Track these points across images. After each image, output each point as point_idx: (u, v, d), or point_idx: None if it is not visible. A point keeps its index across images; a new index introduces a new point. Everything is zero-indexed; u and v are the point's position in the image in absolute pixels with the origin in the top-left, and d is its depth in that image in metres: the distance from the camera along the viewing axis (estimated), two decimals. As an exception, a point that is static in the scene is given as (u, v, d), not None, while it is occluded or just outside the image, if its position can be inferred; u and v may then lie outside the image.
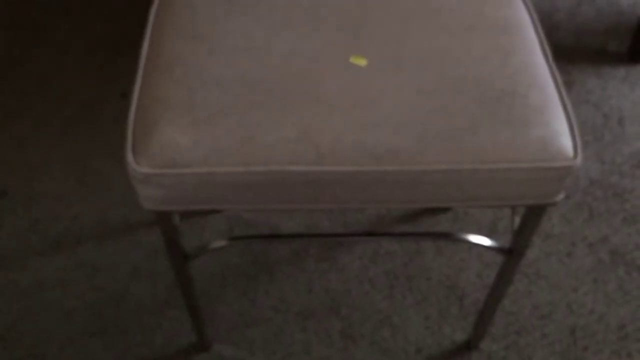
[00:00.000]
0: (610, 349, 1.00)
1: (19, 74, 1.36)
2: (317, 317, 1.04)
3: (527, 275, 1.08)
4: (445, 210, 1.14)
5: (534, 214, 0.72)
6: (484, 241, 0.78)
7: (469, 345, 1.01)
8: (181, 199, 0.65)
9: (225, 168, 0.62)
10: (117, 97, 1.31)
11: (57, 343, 1.01)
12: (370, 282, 1.07)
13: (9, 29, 1.44)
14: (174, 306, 1.04)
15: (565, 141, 0.65)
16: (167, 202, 0.65)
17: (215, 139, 0.63)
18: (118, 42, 1.41)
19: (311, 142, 0.63)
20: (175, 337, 1.02)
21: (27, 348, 1.00)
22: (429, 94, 0.66)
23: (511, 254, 0.79)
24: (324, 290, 1.06)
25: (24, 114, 1.29)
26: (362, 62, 0.69)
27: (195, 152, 0.62)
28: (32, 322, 1.03)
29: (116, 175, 1.20)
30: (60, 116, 1.29)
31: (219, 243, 0.77)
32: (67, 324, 1.03)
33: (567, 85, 1.32)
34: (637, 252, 1.10)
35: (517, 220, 0.78)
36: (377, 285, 1.07)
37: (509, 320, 1.03)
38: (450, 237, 0.79)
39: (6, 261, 1.09)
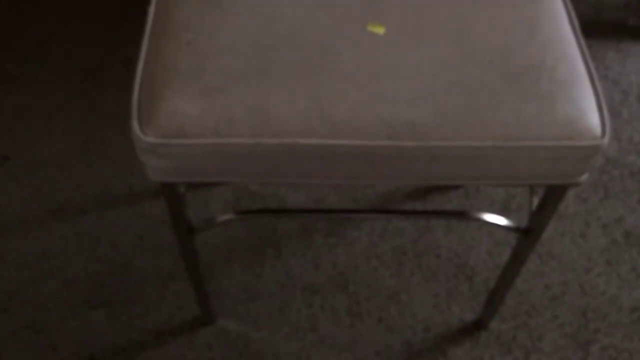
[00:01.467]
0: (622, 332, 0.98)
1: (20, 39, 1.32)
2: (324, 293, 1.02)
3: (539, 254, 1.06)
4: (457, 186, 1.12)
5: (554, 194, 0.69)
6: (500, 220, 0.76)
7: (478, 325, 0.99)
8: (188, 171, 0.62)
9: (235, 139, 0.59)
10: (121, 64, 1.27)
11: (59, 314, 0.99)
12: (378, 258, 1.05)
13: (11, -9, 1.40)
14: (178, 279, 1.02)
15: (592, 119, 0.61)
16: (173, 173, 0.63)
17: (225, 109, 0.59)
18: (123, 6, 1.37)
19: (325, 114, 0.60)
20: (179, 310, 1.00)
21: (27, 318, 0.99)
22: (450, 66, 0.63)
23: (528, 234, 0.76)
24: (331, 265, 1.04)
25: (26, 80, 1.26)
26: (380, 30, 0.65)
27: (204, 122, 0.59)
28: (33, 291, 1.01)
29: (120, 144, 1.17)
30: (62, 83, 1.25)
31: (226, 217, 0.75)
32: (69, 294, 1.01)
33: (585, 60, 1.28)
34: (652, 234, 1.08)
35: (535, 199, 0.75)
36: (386, 261, 1.05)
37: (519, 300, 1.01)
38: (465, 216, 0.77)
39: (7, 229, 1.07)
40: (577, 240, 1.07)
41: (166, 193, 0.67)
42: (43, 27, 1.34)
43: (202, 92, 0.60)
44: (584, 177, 0.65)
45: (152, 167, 0.62)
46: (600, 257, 1.05)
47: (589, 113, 0.61)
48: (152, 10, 0.69)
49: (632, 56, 1.30)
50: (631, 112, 1.21)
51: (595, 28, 1.35)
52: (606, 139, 0.61)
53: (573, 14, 0.70)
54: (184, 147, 0.59)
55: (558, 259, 1.05)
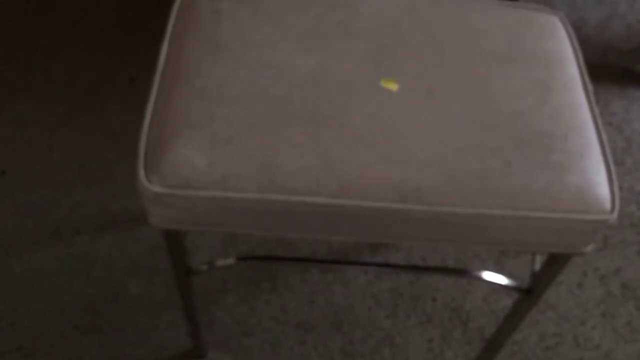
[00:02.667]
0: (615, 388, 0.98)
1: (24, 51, 1.31)
2: (318, 331, 1.01)
3: (536, 306, 1.05)
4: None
5: (558, 261, 0.68)
6: (501, 280, 0.75)
7: (471, 373, 0.98)
8: (192, 220, 0.61)
9: (241, 194, 0.59)
10: (125, 82, 1.26)
11: (49, 338, 0.98)
12: (374, 298, 1.04)
13: (16, 2, 1.39)
14: (171, 307, 1.01)
15: (602, 192, 0.61)
16: (177, 221, 0.62)
17: (232, 162, 0.59)
18: (130, 25, 1.36)
19: (333, 173, 0.59)
20: (171, 341, 0.99)
21: (17, 341, 0.97)
22: (461, 129, 0.62)
23: (529, 293, 0.75)
24: (327, 303, 1.03)
25: (28, 93, 1.24)
26: (393, 86, 0.65)
27: (211, 174, 0.58)
28: (24, 313, 1.00)
29: (120, 164, 1.16)
30: (64, 98, 1.24)
31: (226, 261, 0.74)
32: (61, 318, 1.00)
33: (591, 105, 1.28)
34: (649, 288, 1.07)
35: (538, 260, 0.75)
36: (381, 302, 1.04)
37: (513, 350, 1.01)
38: (466, 274, 0.76)
39: (1, 246, 1.06)
40: (574, 290, 1.07)
41: (168, 239, 0.66)
42: (48, 39, 1.32)
43: (210, 142, 0.59)
44: (590, 248, 0.64)
45: (156, 215, 0.61)
46: (596, 308, 1.05)
47: (599, 186, 0.61)
48: (164, 49, 0.68)
49: (637, 103, 1.30)
50: (634, 160, 1.21)
51: (601, 72, 1.35)
52: (615, 214, 0.60)
53: (586, 77, 0.70)
54: (190, 198, 0.58)
55: (554, 309, 1.05)
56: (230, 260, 0.73)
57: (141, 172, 0.59)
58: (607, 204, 0.61)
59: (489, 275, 0.75)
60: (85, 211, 1.10)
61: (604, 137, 0.64)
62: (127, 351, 0.97)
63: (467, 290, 1.06)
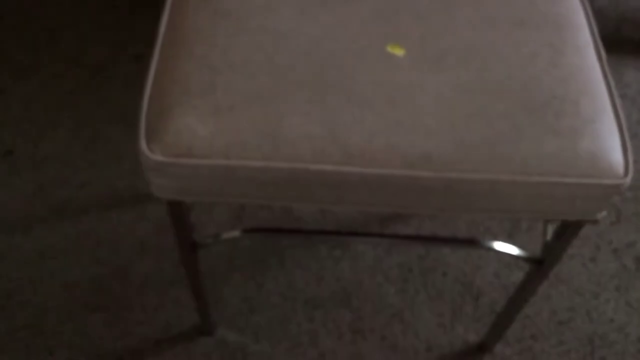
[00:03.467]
0: (629, 362, 0.97)
1: (31, 30, 1.30)
2: (326, 307, 1.00)
3: (547, 277, 1.03)
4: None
5: (570, 229, 0.67)
6: (512, 250, 0.74)
7: (482, 348, 0.97)
8: (196, 191, 0.60)
9: (245, 162, 0.57)
10: (131, 60, 1.25)
11: (57, 316, 0.98)
12: (383, 274, 1.03)
13: (22, -21, 1.37)
14: (179, 286, 1.01)
15: (616, 156, 0.59)
16: (179, 192, 0.61)
17: (236, 130, 0.57)
18: (135, 2, 1.34)
19: (339, 140, 0.58)
20: (179, 319, 0.98)
21: (25, 319, 0.97)
22: (470, 94, 0.60)
23: (541, 264, 0.74)
24: (335, 279, 1.02)
25: (34, 71, 1.24)
26: (399, 52, 0.63)
27: (214, 143, 0.57)
28: (32, 292, 1.00)
29: (127, 143, 1.15)
30: (71, 76, 1.23)
31: (232, 234, 0.73)
32: (68, 296, 0.99)
33: (603, 77, 1.25)
34: (663, 261, 1.05)
35: (550, 229, 0.73)
36: (391, 277, 1.03)
37: (525, 324, 0.99)
38: (476, 244, 0.75)
39: (9, 225, 1.06)
40: (587, 264, 1.05)
41: (171, 210, 0.65)
42: (54, 18, 1.31)
43: (213, 110, 0.58)
44: (602, 214, 0.62)
45: (158, 185, 0.60)
46: (610, 282, 1.03)
47: (612, 150, 0.59)
48: (164, 18, 0.67)
49: (651, 75, 1.27)
50: (648, 134, 1.19)
51: (615, 44, 1.32)
52: (629, 179, 0.59)
53: (599, 41, 0.67)
54: (192, 167, 0.57)
55: (566, 283, 1.03)
56: (236, 233, 0.72)
57: (142, 141, 0.58)
58: (620, 168, 0.59)
59: (500, 246, 0.73)
60: (92, 190, 1.10)
61: (617, 100, 0.62)
62: (135, 329, 0.97)
63: (478, 265, 1.04)
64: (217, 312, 0.98)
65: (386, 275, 1.03)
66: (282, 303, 1.00)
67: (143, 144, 0.58)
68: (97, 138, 1.15)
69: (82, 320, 0.97)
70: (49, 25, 1.30)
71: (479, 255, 1.05)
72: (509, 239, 1.06)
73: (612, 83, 0.64)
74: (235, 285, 1.01)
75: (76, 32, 1.29)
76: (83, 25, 1.30)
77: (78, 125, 1.17)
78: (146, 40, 1.28)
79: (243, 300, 1.00)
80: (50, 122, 1.17)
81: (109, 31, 1.29)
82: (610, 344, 0.98)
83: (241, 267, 1.03)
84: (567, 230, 0.67)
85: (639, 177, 1.14)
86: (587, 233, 1.07)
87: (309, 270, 1.03)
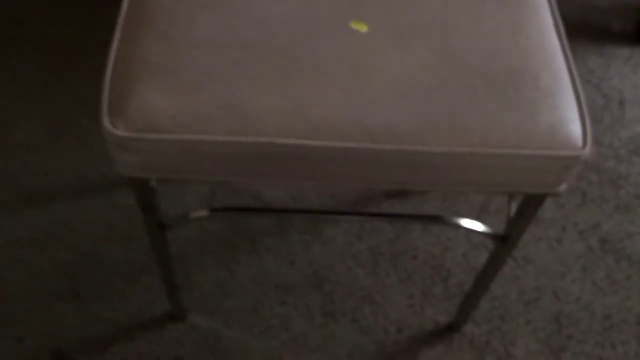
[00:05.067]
0: (595, 339, 0.99)
1: (-4, 17, 1.28)
2: (298, 291, 1.00)
3: (515, 258, 1.05)
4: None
5: (532, 203, 0.68)
6: (477, 226, 0.75)
7: (452, 328, 0.98)
8: (161, 167, 0.60)
9: (210, 137, 0.57)
10: (99, 49, 1.24)
11: (25, 304, 0.97)
12: (354, 258, 1.04)
13: (-13, -32, 1.35)
14: (150, 272, 1.00)
15: (574, 128, 0.60)
16: (145, 169, 0.61)
17: (200, 105, 0.58)
18: (103, -10, 1.33)
19: (304, 114, 0.58)
20: (150, 305, 0.98)
21: (-7, 308, 0.96)
22: (432, 69, 0.61)
23: (504, 241, 0.75)
24: (307, 263, 1.03)
25: (1, 61, 1.22)
26: (362, 27, 0.64)
27: (178, 118, 0.57)
28: (0, 280, 0.99)
29: (95, 130, 1.14)
30: (37, 65, 1.22)
31: (199, 213, 0.73)
32: (37, 284, 0.98)
33: (569, 64, 1.27)
34: (627, 241, 1.08)
35: (513, 206, 0.74)
36: (361, 261, 1.04)
37: (493, 305, 1.01)
38: (441, 221, 0.76)
39: (-25, 215, 1.04)
40: (553, 245, 1.07)
41: (136, 188, 0.65)
42: (16, 6, 1.30)
43: (177, 86, 0.58)
44: (563, 187, 0.64)
45: (122, 162, 0.60)
46: (576, 263, 1.05)
47: (571, 123, 0.60)
48: (128, -3, 0.67)
49: (615, 60, 1.30)
50: (612, 117, 1.21)
51: (579, 30, 1.34)
52: (587, 150, 0.60)
53: (559, 19, 0.69)
54: (156, 142, 0.57)
55: (533, 264, 1.05)
56: (204, 212, 0.72)
57: (105, 117, 0.58)
58: (579, 140, 0.60)
59: (465, 223, 0.74)
60: (61, 178, 1.09)
61: (576, 75, 0.64)
62: (105, 316, 0.97)
63: (447, 247, 1.06)
64: (189, 297, 0.98)
65: (357, 258, 1.04)
66: (253, 288, 1.00)
67: (106, 120, 0.57)
68: (66, 126, 1.14)
69: (51, 308, 0.97)
70: (11, 15, 1.28)
71: (448, 238, 1.06)
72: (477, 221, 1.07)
73: (571, 59, 0.65)
74: (207, 270, 1.01)
75: (40, 19, 1.28)
76: (47, 13, 1.29)
77: (46, 113, 1.16)
78: (112, 27, 1.27)
79: (215, 286, 1.00)
80: (19, 111, 1.16)
81: (76, 19, 1.28)
82: (576, 322, 1.00)
83: (213, 252, 1.03)
84: (530, 204, 0.69)
85: (604, 160, 1.16)
86: (553, 215, 1.10)
87: (280, 255, 1.03)
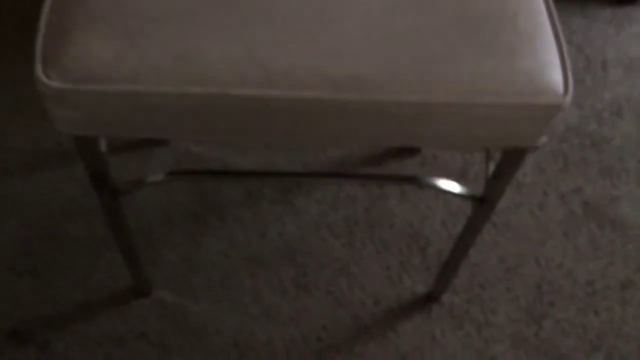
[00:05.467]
0: (577, 306, 0.95)
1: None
2: (269, 264, 0.96)
3: (495, 225, 1.01)
4: (412, 152, 1.06)
5: (511, 159, 0.64)
6: (454, 187, 0.70)
7: (430, 298, 0.94)
8: (102, 123, 0.55)
9: (156, 87, 0.52)
10: None
11: (-21, 283, 0.91)
12: (328, 228, 0.99)
13: None
14: (112, 247, 0.95)
15: (555, 75, 0.56)
16: (85, 125, 0.55)
17: (144, 53, 0.52)
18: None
19: (259, 62, 0.53)
20: (112, 281, 0.93)
21: (-56, 287, 0.90)
22: (401, 13, 0.56)
23: (482, 202, 0.71)
24: (278, 235, 0.98)
25: (-51, 28, 1.15)
26: (325, -29, 0.58)
27: (119, 66, 0.52)
28: (-49, 259, 0.93)
29: (52, 100, 1.07)
30: (-10, 32, 1.15)
31: (155, 178, 0.68)
32: (-9, 262, 0.93)
33: (549, 25, 1.23)
34: (610, 206, 1.04)
35: (492, 166, 0.70)
36: (336, 231, 0.99)
37: (473, 272, 0.97)
38: (417, 182, 0.71)
39: None
40: (534, 211, 1.03)
41: (81, 148, 0.60)
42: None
43: (118, 32, 0.53)
44: (543, 140, 0.59)
45: (60, 118, 0.54)
46: (558, 228, 1.02)
47: (551, 69, 0.56)
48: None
49: (598, 22, 1.25)
50: (595, 79, 1.17)
51: (561, -7, 1.30)
52: (569, 98, 0.56)
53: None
54: (95, 94, 0.52)
55: (514, 230, 1.01)
56: (160, 176, 0.67)
57: (38, 67, 0.52)
58: (560, 87, 0.56)
59: (442, 183, 0.70)
60: (16, 150, 1.02)
61: (556, 18, 0.59)
62: (64, 293, 0.91)
63: (424, 215, 1.01)
64: (155, 272, 0.93)
65: (331, 229, 0.99)
66: (223, 261, 0.95)
67: (39, 70, 0.52)
68: (21, 98, 1.08)
69: (8, 286, 0.91)
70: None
71: (426, 206, 1.02)
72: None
73: (551, 1, 0.60)
74: (174, 244, 0.96)
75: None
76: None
77: (0, 85, 1.09)
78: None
79: (182, 259, 0.95)
80: (-31, 81, 1.09)
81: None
82: (558, 289, 0.96)
83: (179, 225, 0.98)
84: (508, 162, 0.64)
85: (586, 123, 1.12)
86: (534, 180, 1.06)
87: (251, 227, 0.98)
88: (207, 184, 1.01)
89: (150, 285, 0.92)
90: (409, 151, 1.06)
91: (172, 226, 0.98)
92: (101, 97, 0.52)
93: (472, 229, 0.76)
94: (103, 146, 0.63)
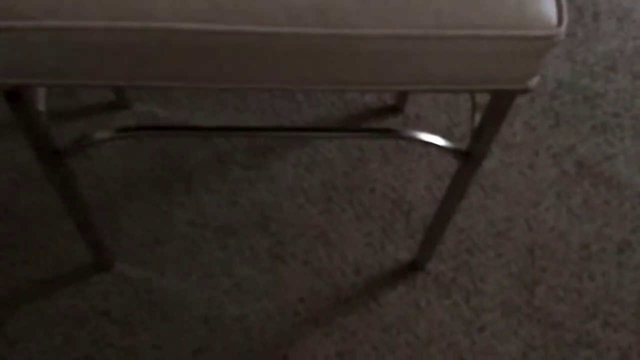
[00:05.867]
0: (571, 271, 0.89)
1: None
2: (242, 234, 0.89)
3: (483, 187, 0.95)
4: (394, 111, 0.99)
5: (499, 105, 0.57)
6: (437, 140, 0.64)
7: (414, 266, 0.88)
8: (23, 67, 0.47)
9: (83, 22, 0.44)
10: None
11: None
12: (304, 194, 0.92)
13: None
14: (71, 219, 0.88)
15: (547, 3, 0.49)
16: (6, 72, 0.47)
17: (68, -19, 0.44)
18: None
19: (206, -9, 0.45)
20: (71, 256, 0.86)
21: None
22: (372, -64, 0.49)
23: (468, 157, 0.64)
24: (251, 202, 0.91)
25: None
26: None
27: (40, 0, 0.44)
28: None
29: None
30: None
31: (102, 134, 0.60)
32: (-62, 238, 0.85)
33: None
34: (605, 164, 0.98)
35: (478, 117, 0.63)
36: (313, 197, 0.92)
37: (460, 238, 0.91)
38: (397, 135, 0.64)
39: None
40: (525, 171, 0.97)
41: (11, 101, 0.52)
42: None
43: (39, -41, 0.45)
44: (534, 82, 0.53)
45: (-24, 63, 0.47)
46: (550, 189, 0.96)
47: (543, -4, 0.49)
48: None
49: (589, -27, 1.18)
50: (586, 31, 1.10)
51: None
52: (563, 29, 0.49)
53: None
54: (11, 32, 0.44)
55: (503, 192, 0.95)
56: (108, 133, 0.60)
57: (-55, 1, 0.44)
58: (553, 17, 0.48)
59: (423, 136, 0.63)
60: (-36, 118, 0.94)
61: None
62: (19, 269, 0.84)
63: (408, 178, 0.95)
64: (117, 245, 0.86)
65: (308, 195, 0.92)
66: (190, 231, 0.88)
67: (-56, 3, 0.44)
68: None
69: (-45, 265, 0.84)
70: None
71: (409, 169, 0.95)
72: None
73: None
74: (137, 214, 0.89)
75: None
76: None
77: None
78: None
79: (146, 231, 0.88)
80: None
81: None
82: (551, 253, 0.91)
83: (143, 194, 0.91)
84: (495, 109, 0.57)
85: (579, 78, 1.05)
86: (524, 139, 0.99)
87: (221, 194, 0.91)
88: (173, 149, 0.93)
89: (112, 259, 0.85)
90: (391, 110, 0.99)
91: (136, 195, 0.90)
92: (18, 35, 0.44)
93: (457, 189, 0.70)
94: (41, 105, 0.56)
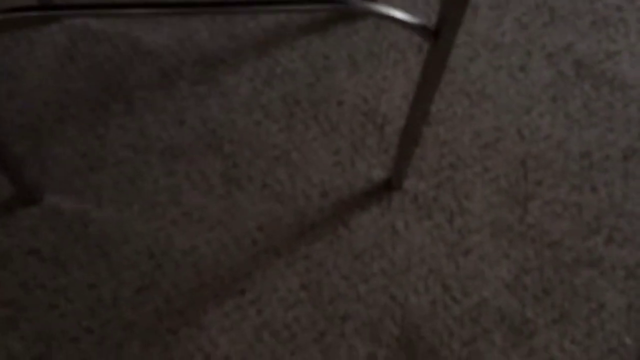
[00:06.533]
0: (570, 183, 0.78)
1: None
2: (191, 157, 0.78)
3: (468, 94, 0.83)
4: (363, 17, 0.86)
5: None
6: (397, 14, 0.51)
7: (390, 185, 0.77)
8: None
9: None
10: None
11: None
12: (262, 110, 0.81)
13: None
14: (-7, 148, 0.76)
15: None
16: None
17: None
18: None
19: None
20: (-6, 188, 0.75)
21: None
22: None
23: (437, 38, 0.52)
24: (201, 121, 0.80)
25: None
26: None
27: None
28: None
29: None
30: None
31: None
32: None
33: None
34: (607, 63, 0.85)
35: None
36: (272, 113, 0.81)
37: (442, 152, 0.79)
38: (349, 4, 0.52)
39: None
40: (516, 74, 0.84)
41: None
42: None
43: None
44: None
45: None
46: (544, 93, 0.83)
47: None
48: None
49: None
50: None
51: None
52: None
53: None
54: None
55: (492, 99, 0.83)
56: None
57: None
58: None
59: (382, 9, 0.51)
60: None
61: None
62: (-64, 207, 0.74)
63: (381, 88, 0.83)
64: (46, 175, 0.75)
65: (266, 111, 0.81)
66: (131, 156, 0.77)
67: None
68: None
69: None
70: None
71: (382, 76, 0.83)
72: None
73: None
74: (69, 139, 0.78)
75: None
76: None
77: None
78: None
79: (80, 158, 0.77)
80: None
81: None
82: (547, 164, 0.79)
83: (76, 117, 0.79)
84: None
85: (576, -31, 0.92)
86: (514, 38, 0.86)
87: (165, 113, 0.80)
88: (112, 67, 0.81)
89: (42, 191, 0.74)
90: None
91: (68, 119, 0.79)
92: None
93: (427, 81, 0.58)
94: None
